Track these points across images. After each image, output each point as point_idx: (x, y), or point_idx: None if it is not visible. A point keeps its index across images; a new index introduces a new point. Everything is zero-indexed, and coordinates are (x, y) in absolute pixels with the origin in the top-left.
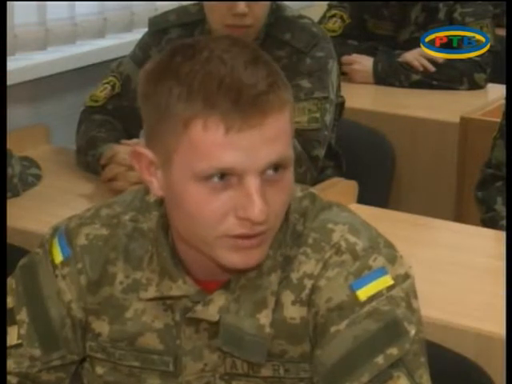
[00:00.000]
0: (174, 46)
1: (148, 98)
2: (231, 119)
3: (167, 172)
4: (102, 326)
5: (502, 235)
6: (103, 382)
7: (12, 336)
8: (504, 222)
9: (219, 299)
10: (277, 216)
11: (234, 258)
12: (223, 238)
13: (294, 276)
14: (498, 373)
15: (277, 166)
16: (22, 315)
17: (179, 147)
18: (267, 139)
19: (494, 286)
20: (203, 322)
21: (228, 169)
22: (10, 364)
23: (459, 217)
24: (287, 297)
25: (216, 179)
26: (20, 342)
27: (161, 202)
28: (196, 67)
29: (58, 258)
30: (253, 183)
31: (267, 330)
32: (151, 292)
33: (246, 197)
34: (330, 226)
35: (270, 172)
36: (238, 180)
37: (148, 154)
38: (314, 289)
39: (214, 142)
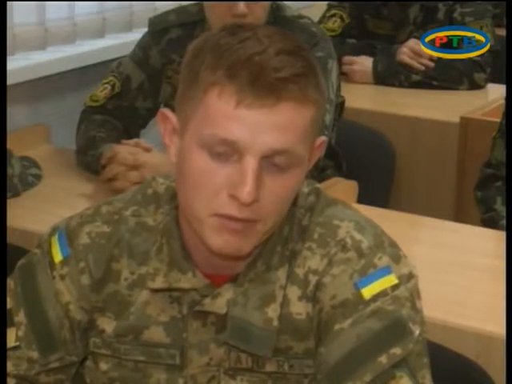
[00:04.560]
0: (226, 25)
1: (187, 65)
2: (244, 94)
3: (182, 138)
4: (107, 323)
5: (502, 235)
6: (107, 379)
7: (10, 338)
8: (504, 222)
9: (227, 292)
10: (270, 210)
11: (218, 241)
12: (213, 217)
13: (300, 271)
14: (498, 373)
15: (280, 162)
16: (20, 317)
17: (196, 113)
18: (277, 125)
19: (494, 286)
20: (211, 316)
21: (231, 142)
22: (9, 366)
23: (459, 217)
24: (294, 292)
25: (219, 152)
26: (18, 344)
27: (172, 196)
28: (233, 42)
29: (58, 257)
30: (250, 163)
31: (275, 323)
32: (159, 282)
33: (240, 175)
34: (336, 222)
35: (271, 164)
36: (239, 158)
37: (173, 118)
38: (319, 285)
39: (224, 112)
